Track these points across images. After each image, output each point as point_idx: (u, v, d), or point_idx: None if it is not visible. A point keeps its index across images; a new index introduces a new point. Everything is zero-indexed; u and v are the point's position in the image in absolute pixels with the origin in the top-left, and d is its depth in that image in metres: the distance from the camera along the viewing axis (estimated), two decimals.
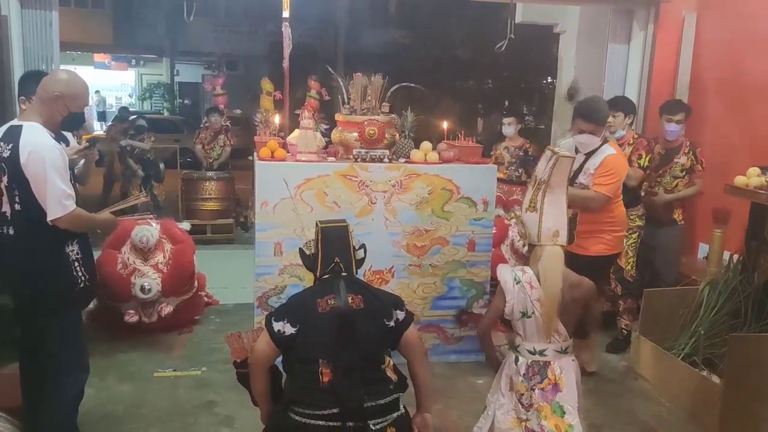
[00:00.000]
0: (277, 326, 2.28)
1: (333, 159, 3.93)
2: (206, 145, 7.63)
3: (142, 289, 4.14)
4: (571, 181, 3.75)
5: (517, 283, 2.68)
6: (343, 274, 2.38)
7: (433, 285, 4.00)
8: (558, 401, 2.67)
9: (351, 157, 3.86)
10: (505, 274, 2.74)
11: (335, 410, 2.19)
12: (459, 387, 3.82)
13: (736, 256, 3.95)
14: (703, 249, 4.73)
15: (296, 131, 4.08)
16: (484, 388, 3.25)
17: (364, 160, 3.82)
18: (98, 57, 21.74)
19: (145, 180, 7.74)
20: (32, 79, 3.35)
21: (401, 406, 2.34)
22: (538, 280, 2.65)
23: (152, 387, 3.75)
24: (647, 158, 4.30)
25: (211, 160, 7.63)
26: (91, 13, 19.32)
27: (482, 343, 2.98)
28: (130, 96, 23.51)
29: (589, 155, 3.70)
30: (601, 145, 3.68)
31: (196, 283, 4.72)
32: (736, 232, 4.08)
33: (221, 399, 3.58)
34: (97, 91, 20.98)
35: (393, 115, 3.97)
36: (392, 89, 4.01)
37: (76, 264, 2.74)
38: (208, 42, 20.00)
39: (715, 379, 3.52)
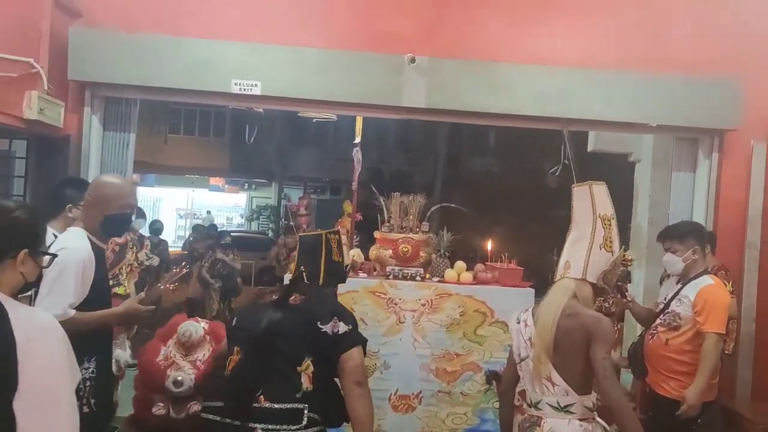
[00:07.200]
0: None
1: (364, 275, 3.92)
2: (281, 261, 7.97)
3: (175, 382, 4.09)
4: (663, 309, 3.54)
5: (517, 323, 2.48)
6: (306, 282, 2.44)
7: (464, 416, 3.74)
8: None
9: (385, 273, 3.84)
10: (513, 316, 2.57)
11: (220, 404, 2.10)
12: None
13: None
14: None
15: None
16: None
17: (396, 278, 3.78)
18: (214, 180, 23.66)
19: (222, 294, 8.01)
20: (76, 186, 3.44)
21: (305, 420, 2.08)
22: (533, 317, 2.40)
23: None
24: None
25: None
26: (212, 142, 21.36)
27: (500, 408, 2.65)
28: (241, 216, 25.17)
29: (685, 283, 3.47)
30: (701, 274, 3.45)
31: None
32: None
33: None
34: (208, 212, 22.67)
35: (430, 234, 3.96)
36: (432, 209, 4.06)
37: (87, 383, 2.56)
38: (314, 168, 21.52)
39: None
